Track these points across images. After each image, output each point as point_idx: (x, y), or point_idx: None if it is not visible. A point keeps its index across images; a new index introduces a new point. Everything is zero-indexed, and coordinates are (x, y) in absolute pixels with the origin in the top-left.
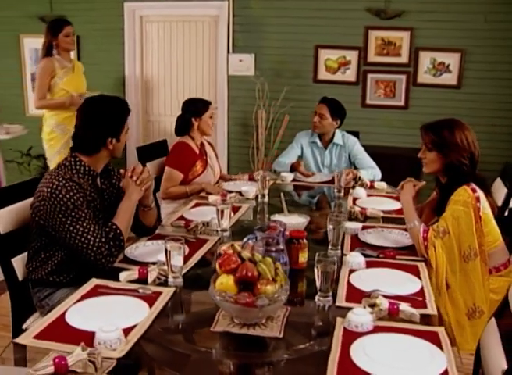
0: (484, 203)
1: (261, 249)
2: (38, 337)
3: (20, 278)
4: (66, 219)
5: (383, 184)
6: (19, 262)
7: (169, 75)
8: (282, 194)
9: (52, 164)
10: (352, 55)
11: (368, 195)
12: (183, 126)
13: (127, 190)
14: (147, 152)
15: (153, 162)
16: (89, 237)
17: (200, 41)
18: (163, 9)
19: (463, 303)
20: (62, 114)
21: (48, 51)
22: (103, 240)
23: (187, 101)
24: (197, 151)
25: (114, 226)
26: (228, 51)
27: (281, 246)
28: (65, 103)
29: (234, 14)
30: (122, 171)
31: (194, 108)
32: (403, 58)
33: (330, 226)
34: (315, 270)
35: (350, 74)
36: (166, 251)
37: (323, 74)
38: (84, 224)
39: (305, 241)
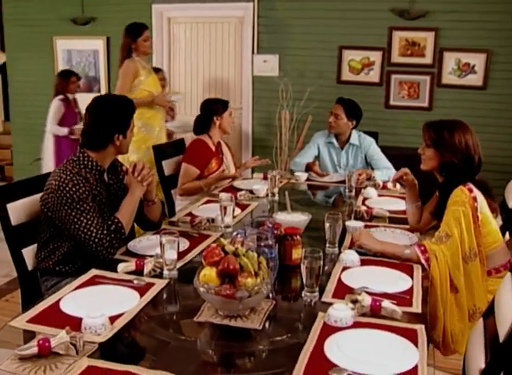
0: (482, 203)
1: (251, 244)
2: (31, 321)
3: (30, 268)
4: (71, 211)
5: (396, 185)
6: (29, 253)
7: (196, 75)
8: (286, 193)
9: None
10: (376, 56)
11: (380, 195)
12: (203, 125)
13: (130, 186)
14: (164, 151)
15: (169, 160)
16: (92, 229)
17: (226, 42)
18: (190, 11)
19: (466, 306)
20: (146, 114)
21: (128, 53)
22: (105, 232)
23: (208, 101)
24: (213, 149)
25: (116, 220)
26: (252, 52)
27: (270, 242)
28: (151, 102)
29: (259, 15)
30: (124, 168)
31: (216, 108)
32: (428, 59)
33: (327, 225)
34: (301, 266)
35: (373, 75)
36: (161, 244)
37: (347, 75)
38: (88, 216)
39: (299, 237)
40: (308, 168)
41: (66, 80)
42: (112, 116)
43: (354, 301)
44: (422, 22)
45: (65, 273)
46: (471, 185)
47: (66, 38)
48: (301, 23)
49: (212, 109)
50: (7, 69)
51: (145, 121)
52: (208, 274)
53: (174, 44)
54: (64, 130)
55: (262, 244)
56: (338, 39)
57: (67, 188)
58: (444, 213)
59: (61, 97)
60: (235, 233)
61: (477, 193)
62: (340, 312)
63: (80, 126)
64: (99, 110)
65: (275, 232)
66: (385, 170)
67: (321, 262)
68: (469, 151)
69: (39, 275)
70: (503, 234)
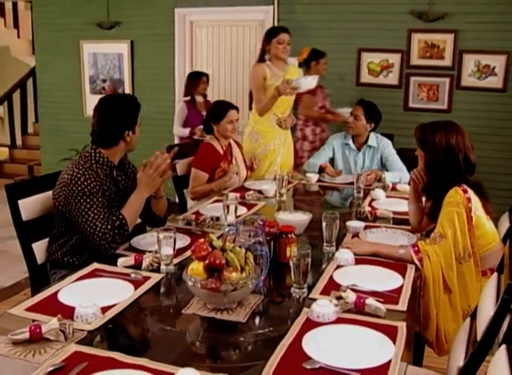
0: (476, 205)
1: (242, 240)
2: (29, 309)
3: (39, 262)
4: (81, 204)
5: (406, 187)
6: (39, 248)
7: (217, 78)
8: (289, 193)
9: None
10: (395, 58)
11: (388, 197)
12: (207, 127)
13: (140, 184)
14: (178, 151)
15: (183, 160)
16: (97, 223)
17: (247, 45)
18: (212, 14)
19: (460, 306)
20: (260, 123)
21: (260, 57)
22: (109, 227)
23: (212, 104)
24: (222, 152)
25: (121, 216)
26: None
27: (261, 239)
28: (275, 95)
29: (279, 19)
30: (144, 162)
31: (214, 113)
32: (447, 61)
33: (324, 224)
34: (290, 263)
35: (392, 77)
36: (158, 240)
37: (366, 77)
38: (96, 211)
39: (294, 235)
40: (321, 169)
41: (197, 81)
42: (120, 114)
43: (339, 298)
44: (441, 24)
45: (73, 265)
46: (465, 186)
47: (92, 42)
48: (320, 25)
49: (211, 115)
50: (36, 72)
51: (255, 131)
52: (196, 268)
53: (196, 47)
54: (185, 131)
55: (253, 241)
56: (357, 41)
57: (79, 182)
58: (437, 214)
59: (186, 99)
60: (227, 230)
61: (471, 194)
62: (323, 307)
63: (200, 126)
64: (108, 110)
65: (271, 230)
66: (397, 172)
67: (309, 260)
68: (451, 151)
69: (48, 268)
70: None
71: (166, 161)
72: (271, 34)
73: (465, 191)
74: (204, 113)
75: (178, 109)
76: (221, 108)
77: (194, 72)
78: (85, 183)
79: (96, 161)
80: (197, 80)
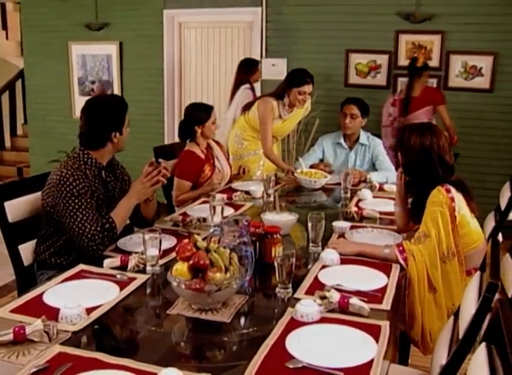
0: (460, 204)
1: (227, 241)
2: (14, 311)
3: (26, 263)
4: (69, 205)
5: (393, 187)
6: (25, 249)
7: (206, 79)
8: (276, 193)
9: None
10: (383, 59)
11: (375, 197)
12: (186, 133)
13: (131, 190)
14: (164, 152)
15: (170, 162)
16: (86, 224)
17: (236, 46)
18: (200, 16)
19: (445, 305)
20: (247, 133)
21: (277, 95)
22: (98, 229)
23: (190, 109)
24: (203, 156)
25: (110, 220)
26: (261, 56)
27: (245, 239)
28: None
29: (267, 20)
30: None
31: (198, 117)
32: (434, 62)
33: (310, 224)
34: (275, 263)
35: (380, 78)
36: (144, 241)
37: (354, 78)
38: (84, 212)
39: (279, 236)
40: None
41: (253, 69)
42: (106, 116)
43: (323, 298)
44: (428, 25)
45: (60, 265)
46: (448, 186)
47: (81, 43)
48: (309, 27)
49: (194, 118)
50: (25, 73)
51: (236, 151)
52: (180, 269)
53: (185, 48)
54: None
55: (238, 241)
56: (345, 43)
57: (68, 182)
58: (419, 215)
59: (247, 85)
60: (211, 231)
61: (455, 193)
62: (307, 307)
63: None
64: (94, 111)
65: (256, 230)
66: (384, 172)
67: (294, 260)
68: (425, 153)
69: (35, 269)
70: (496, 235)
71: (160, 172)
72: (294, 83)
73: (448, 191)
74: None
75: (243, 95)
76: (203, 111)
77: (248, 59)
78: (73, 183)
79: (84, 162)
80: (254, 67)
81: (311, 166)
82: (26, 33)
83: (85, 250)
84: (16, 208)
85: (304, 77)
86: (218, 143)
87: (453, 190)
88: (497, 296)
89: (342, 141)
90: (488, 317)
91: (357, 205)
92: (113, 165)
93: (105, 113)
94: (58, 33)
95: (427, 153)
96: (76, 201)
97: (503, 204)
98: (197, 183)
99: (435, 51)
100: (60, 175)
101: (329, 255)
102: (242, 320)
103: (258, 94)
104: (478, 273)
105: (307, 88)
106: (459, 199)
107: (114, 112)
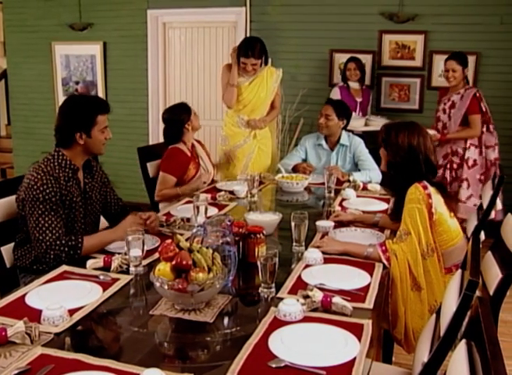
0: (437, 202)
1: (210, 241)
2: None
3: (8, 265)
4: (34, 209)
5: (376, 186)
6: (8, 251)
7: (190, 79)
8: (260, 193)
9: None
10: (366, 59)
11: (359, 196)
12: (175, 136)
13: (121, 225)
14: (148, 153)
15: (152, 162)
16: (47, 232)
17: (220, 46)
18: (185, 16)
19: (427, 301)
20: (227, 126)
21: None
22: (60, 240)
23: (171, 113)
24: (189, 154)
25: (80, 240)
26: None
27: (228, 239)
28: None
29: (251, 20)
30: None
31: (183, 117)
32: (418, 62)
33: (293, 224)
34: (258, 263)
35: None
36: (127, 242)
37: (338, 78)
38: (46, 218)
39: (262, 236)
40: (296, 170)
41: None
42: (71, 115)
43: (306, 297)
44: (412, 25)
45: (42, 271)
46: (425, 183)
47: (64, 44)
48: (293, 27)
49: (181, 120)
50: (8, 74)
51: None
52: (163, 269)
53: (169, 48)
54: None
55: (221, 241)
56: (329, 42)
57: (35, 186)
58: (399, 214)
59: (341, 84)
60: (194, 231)
61: (432, 190)
62: (290, 306)
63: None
64: (63, 109)
65: (240, 230)
66: (368, 172)
67: (277, 260)
68: (413, 152)
69: (18, 272)
70: (478, 234)
71: (155, 222)
72: (239, 51)
73: (425, 188)
74: (360, 100)
75: (331, 93)
76: (183, 110)
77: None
78: (41, 188)
79: (59, 164)
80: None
81: (294, 166)
82: (9, 33)
83: (41, 257)
84: None
85: (246, 50)
86: (200, 142)
87: (430, 187)
88: (478, 293)
89: (323, 142)
90: (468, 314)
91: (340, 204)
92: (91, 166)
93: (72, 112)
94: (42, 34)
95: (414, 153)
96: (41, 206)
97: (485, 203)
98: (181, 181)
99: (418, 50)
100: (30, 179)
101: (313, 254)
102: (225, 320)
103: (354, 91)
104: (460, 271)
105: (248, 61)
106: (436, 198)
107: (81, 113)
